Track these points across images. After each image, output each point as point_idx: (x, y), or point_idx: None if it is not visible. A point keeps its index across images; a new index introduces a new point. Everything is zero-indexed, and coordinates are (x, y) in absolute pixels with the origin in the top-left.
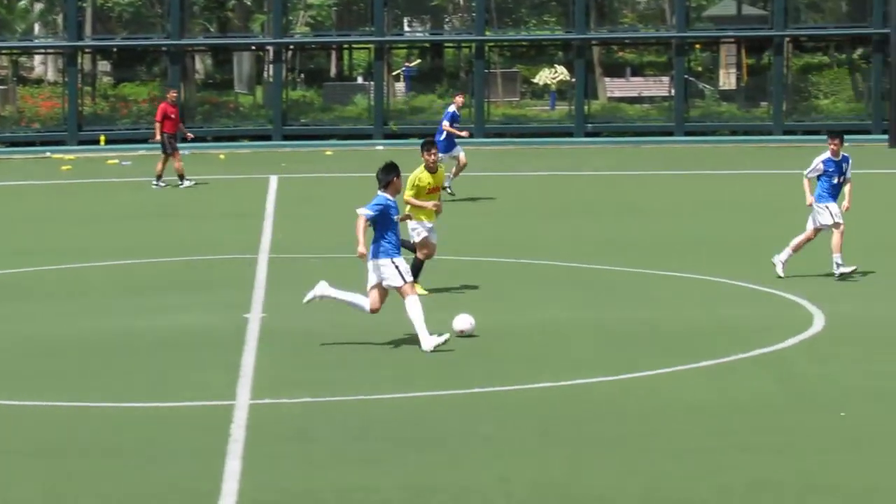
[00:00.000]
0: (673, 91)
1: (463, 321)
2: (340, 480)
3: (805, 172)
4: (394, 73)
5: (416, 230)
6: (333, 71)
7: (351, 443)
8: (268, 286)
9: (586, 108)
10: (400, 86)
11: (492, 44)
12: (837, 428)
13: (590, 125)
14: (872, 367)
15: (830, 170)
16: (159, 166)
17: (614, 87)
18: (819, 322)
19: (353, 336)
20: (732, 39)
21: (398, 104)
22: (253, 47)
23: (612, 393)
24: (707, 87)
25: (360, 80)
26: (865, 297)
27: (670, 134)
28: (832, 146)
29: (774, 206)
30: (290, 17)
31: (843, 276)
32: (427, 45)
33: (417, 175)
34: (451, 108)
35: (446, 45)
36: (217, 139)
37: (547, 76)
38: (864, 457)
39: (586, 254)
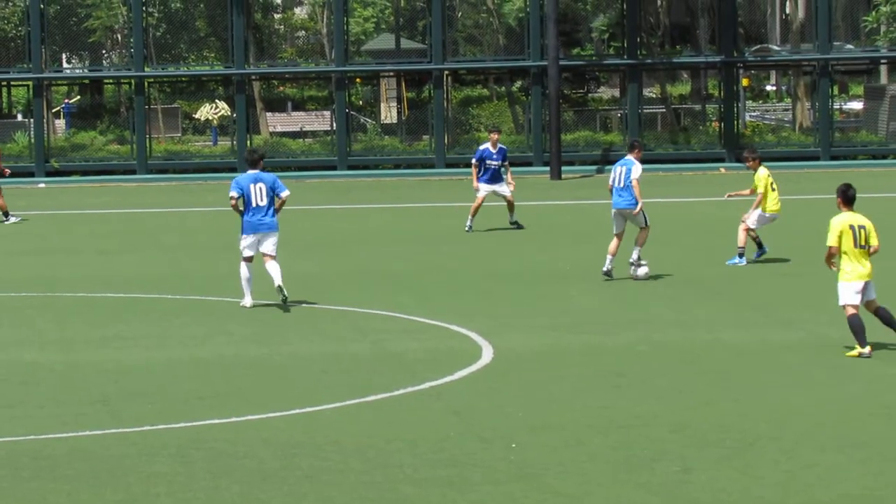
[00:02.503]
0: (335, 125)
1: None
2: None
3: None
4: (54, 110)
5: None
6: None
7: (24, 483)
8: None
9: (248, 142)
10: (60, 123)
11: (151, 79)
12: (507, 459)
13: None
14: (539, 399)
15: None
16: None
17: (276, 122)
18: (487, 354)
19: (20, 376)
20: (392, 73)
21: (59, 141)
22: None
23: (282, 428)
24: (369, 120)
25: (19, 117)
26: (530, 330)
27: (333, 168)
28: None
29: (438, 237)
30: None
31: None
32: (87, 81)
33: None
34: (484, 146)
35: (106, 81)
36: None
37: (208, 111)
38: (534, 487)
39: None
